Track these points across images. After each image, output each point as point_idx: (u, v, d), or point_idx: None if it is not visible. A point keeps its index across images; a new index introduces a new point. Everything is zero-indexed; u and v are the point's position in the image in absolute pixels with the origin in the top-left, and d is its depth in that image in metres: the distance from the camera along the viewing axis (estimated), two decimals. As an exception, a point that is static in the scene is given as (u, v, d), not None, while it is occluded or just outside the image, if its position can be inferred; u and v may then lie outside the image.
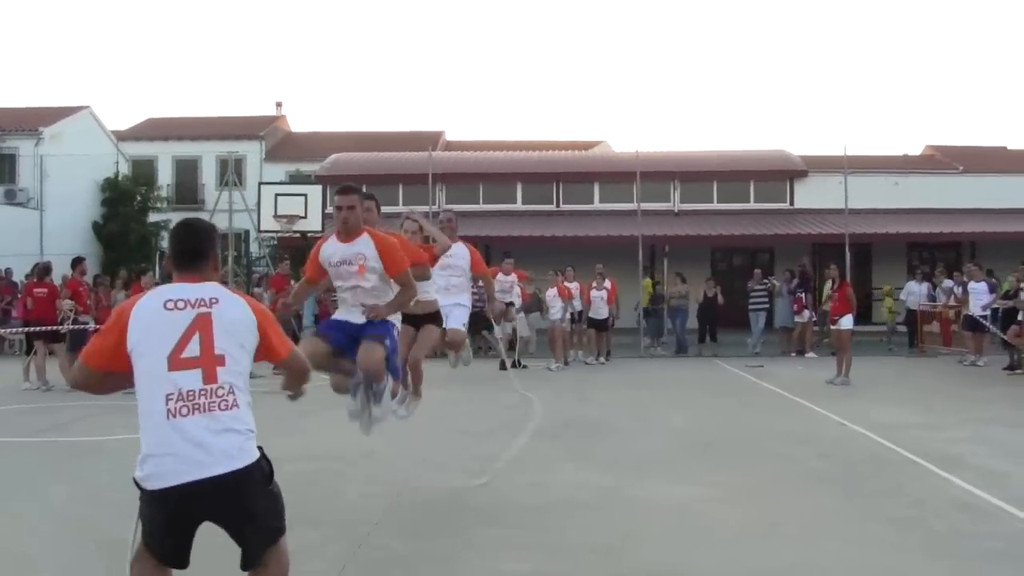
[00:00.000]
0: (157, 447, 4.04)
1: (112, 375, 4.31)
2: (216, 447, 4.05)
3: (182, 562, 4.23)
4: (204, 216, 5.29)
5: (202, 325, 4.18)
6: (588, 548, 6.78)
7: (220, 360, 4.17)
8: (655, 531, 7.31)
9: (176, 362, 4.11)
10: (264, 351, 4.41)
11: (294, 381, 4.89)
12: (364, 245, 7.21)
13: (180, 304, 4.20)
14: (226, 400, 4.15)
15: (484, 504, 8.13)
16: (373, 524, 7.29)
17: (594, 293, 22.47)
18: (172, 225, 4.62)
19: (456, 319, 10.15)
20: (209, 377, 4.13)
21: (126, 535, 4.25)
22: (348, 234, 7.26)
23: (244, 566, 4.28)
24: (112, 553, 4.38)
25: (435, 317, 9.03)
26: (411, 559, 6.56)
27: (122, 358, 4.19)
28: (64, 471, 9.28)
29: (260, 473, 4.20)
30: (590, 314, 22.45)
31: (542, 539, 7.01)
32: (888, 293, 27.19)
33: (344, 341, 7.34)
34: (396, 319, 7.61)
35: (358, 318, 7.29)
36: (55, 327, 17.25)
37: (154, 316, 4.18)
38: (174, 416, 4.05)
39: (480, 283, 10.80)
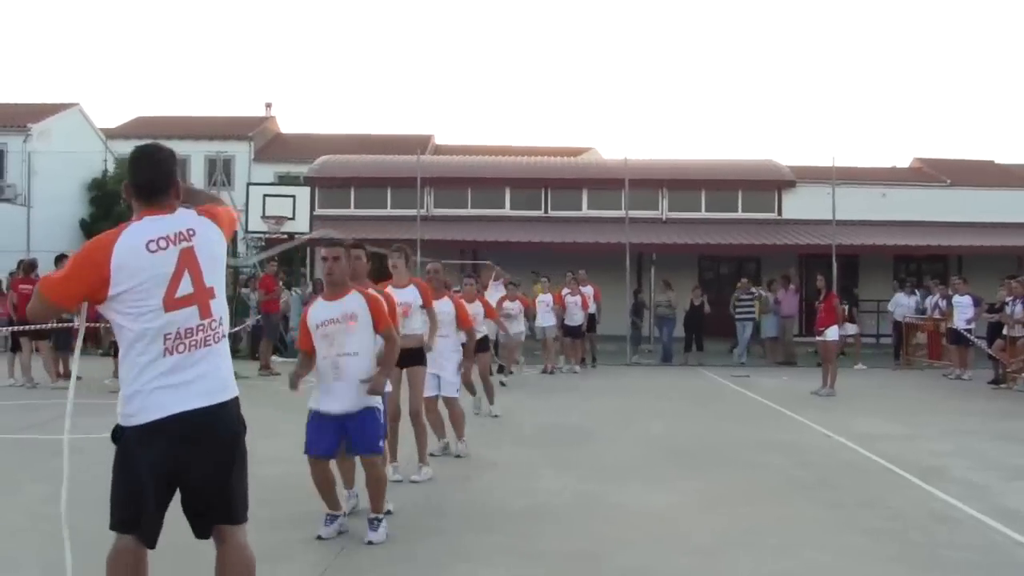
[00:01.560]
0: (154, 382, 4.05)
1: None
2: (206, 381, 4.11)
3: (151, 533, 4.20)
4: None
5: (188, 260, 4.15)
6: (569, 554, 6.80)
7: (211, 292, 4.21)
8: (635, 538, 7.32)
9: (172, 302, 4.10)
10: (229, 229, 4.48)
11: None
12: (353, 302, 7.09)
13: (162, 243, 4.14)
14: (219, 332, 4.22)
15: (465, 509, 8.15)
16: (355, 528, 7.28)
17: (569, 299, 22.26)
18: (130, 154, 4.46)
19: (448, 385, 10.41)
20: (204, 312, 4.16)
21: (107, 534, 4.25)
22: (333, 289, 7.16)
23: (208, 521, 4.26)
24: (92, 552, 4.37)
25: (420, 355, 9.00)
26: (392, 563, 6.57)
27: (95, 298, 4.13)
28: (45, 469, 9.26)
29: (237, 410, 4.28)
30: (565, 321, 22.23)
31: (523, 545, 7.02)
32: None
33: (334, 444, 7.14)
34: (378, 401, 7.31)
35: (337, 403, 7.02)
36: (41, 326, 17.21)
37: (139, 259, 4.08)
38: (171, 353, 4.08)
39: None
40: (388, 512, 7.45)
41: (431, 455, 9.84)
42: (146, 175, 4.31)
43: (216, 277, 4.25)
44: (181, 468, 4.12)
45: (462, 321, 10.38)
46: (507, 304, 19.17)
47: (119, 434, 4.14)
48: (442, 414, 10.56)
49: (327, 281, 7.23)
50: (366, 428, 7.05)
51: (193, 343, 4.11)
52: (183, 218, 4.26)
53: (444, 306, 10.05)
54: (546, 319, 21.93)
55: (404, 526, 7.47)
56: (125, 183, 4.38)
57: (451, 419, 10.67)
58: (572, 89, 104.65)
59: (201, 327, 4.14)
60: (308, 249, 28.72)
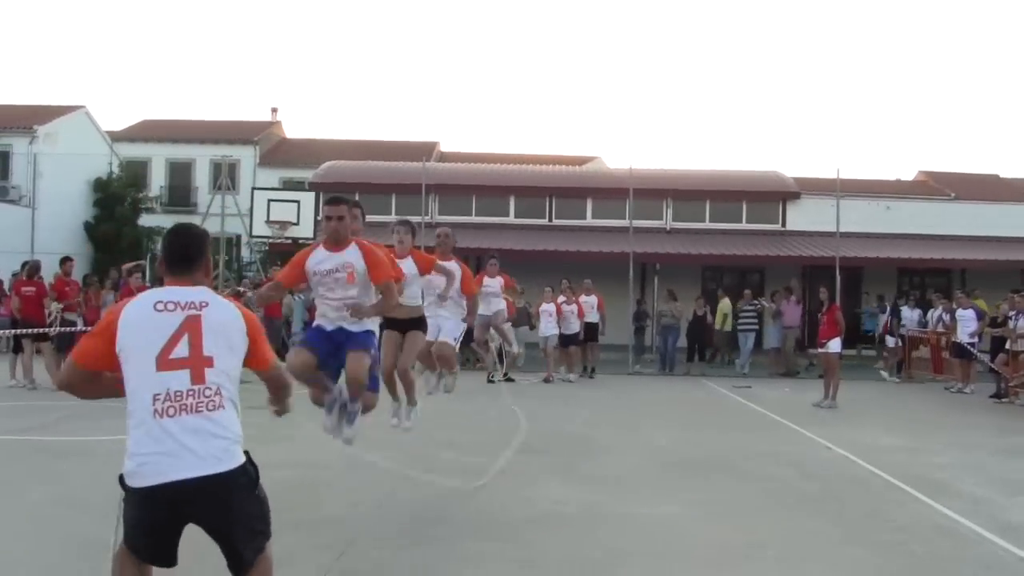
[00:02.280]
0: (144, 446, 4.06)
1: (99, 379, 4.33)
2: (202, 448, 4.07)
3: (168, 561, 4.24)
4: (196, 219, 5.21)
5: (191, 326, 4.20)
6: (570, 563, 6.79)
7: (208, 361, 4.20)
8: (637, 548, 7.30)
9: (165, 362, 4.13)
10: (251, 357, 4.44)
11: (278, 395, 4.91)
12: (352, 254, 7.29)
13: (170, 306, 4.23)
14: (213, 401, 4.17)
15: (468, 516, 8.13)
16: (356, 533, 7.28)
17: (565, 307, 22.20)
18: (165, 229, 4.65)
19: (447, 332, 10.25)
20: (197, 377, 4.15)
21: (109, 536, 4.25)
22: (336, 243, 7.33)
23: (232, 570, 4.29)
24: (94, 554, 4.37)
25: (420, 323, 9.07)
26: (393, 569, 6.56)
27: (111, 359, 4.21)
28: (47, 471, 9.25)
29: (246, 478, 4.21)
30: (561, 330, 22.23)
31: (524, 553, 7.01)
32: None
33: (327, 351, 7.39)
34: (375, 327, 7.66)
35: (337, 324, 7.36)
36: (43, 328, 17.21)
37: (144, 317, 4.21)
38: (161, 416, 4.07)
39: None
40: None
41: (430, 394, 10.23)
42: (176, 248, 4.48)
43: (220, 350, 4.24)
44: (180, 525, 4.17)
45: (465, 285, 10.32)
46: (487, 280, 18.62)
47: (121, 482, 4.16)
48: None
49: (331, 239, 7.37)
50: (362, 336, 7.38)
51: (183, 407, 4.10)
52: (201, 292, 4.36)
53: (451, 267, 10.08)
54: (548, 328, 21.91)
55: (407, 533, 7.46)
56: (158, 260, 4.58)
57: (440, 361, 10.48)
58: (578, 98, 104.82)
59: (192, 392, 4.13)
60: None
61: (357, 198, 31.56)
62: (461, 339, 10.81)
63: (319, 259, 7.41)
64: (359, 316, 7.23)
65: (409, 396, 9.33)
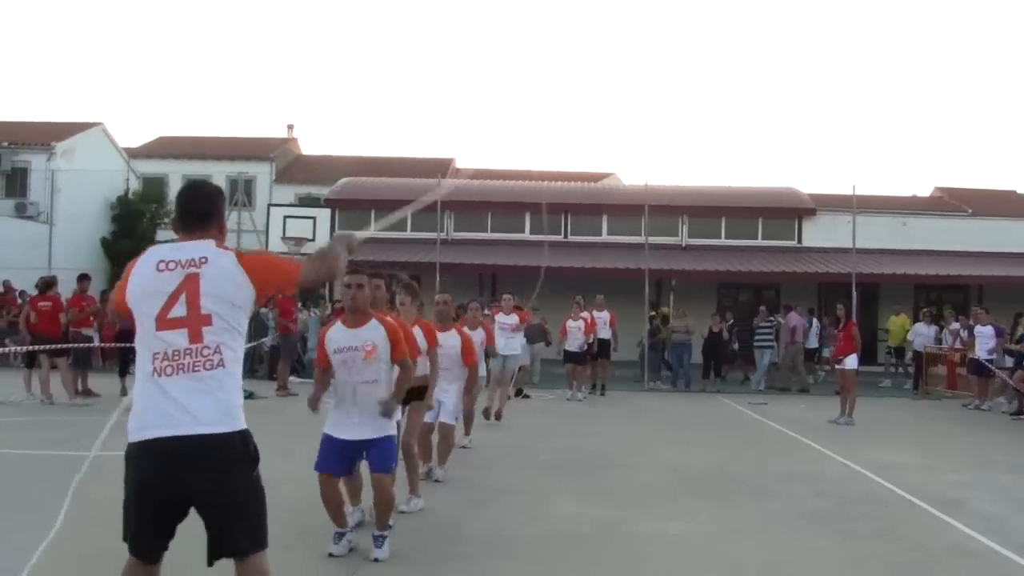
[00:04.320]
0: (142, 402, 4.11)
1: None
2: (199, 407, 4.07)
3: (164, 539, 4.22)
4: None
5: (189, 285, 4.19)
6: (584, 581, 6.76)
7: (206, 319, 4.18)
8: (652, 566, 7.29)
9: (163, 322, 4.16)
10: (266, 287, 4.38)
11: (323, 266, 4.46)
12: (372, 331, 7.11)
13: (171, 265, 4.24)
14: (211, 360, 4.15)
15: (483, 534, 8.11)
16: (369, 551, 7.26)
17: (570, 324, 21.32)
18: (181, 187, 4.64)
19: (448, 413, 10.31)
20: (195, 336, 4.15)
21: (122, 551, 4.24)
22: (355, 316, 7.15)
23: (214, 554, 4.19)
24: (109, 568, 4.36)
25: (422, 392, 8.90)
26: (406, 586, 6.55)
27: (126, 306, 4.31)
28: (62, 486, 9.25)
29: (242, 447, 4.17)
30: (566, 347, 21.44)
31: (540, 571, 7.00)
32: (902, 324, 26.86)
33: (345, 466, 7.22)
34: (394, 428, 7.43)
35: (354, 430, 7.09)
36: (58, 344, 17.23)
37: (147, 276, 4.26)
38: (159, 374, 4.10)
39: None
40: (389, 527, 7.44)
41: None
42: (188, 206, 4.48)
43: (218, 307, 4.20)
44: (171, 492, 4.10)
45: (466, 357, 10.34)
46: (500, 317, 18.24)
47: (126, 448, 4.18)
48: (432, 440, 10.41)
49: (349, 307, 7.19)
50: (384, 450, 7.09)
51: (180, 366, 4.11)
52: (203, 247, 4.31)
53: (450, 339, 10.05)
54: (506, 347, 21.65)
55: (420, 550, 7.45)
56: (172, 218, 4.56)
57: (441, 444, 10.49)
58: (593, 114, 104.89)
59: (189, 351, 4.13)
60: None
61: (373, 215, 31.73)
62: (461, 418, 10.88)
63: (337, 336, 7.19)
64: (390, 415, 7.11)
65: (412, 480, 9.02)
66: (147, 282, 4.24)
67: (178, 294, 4.18)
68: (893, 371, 27.12)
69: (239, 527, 4.15)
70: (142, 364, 4.18)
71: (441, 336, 9.59)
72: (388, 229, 31.12)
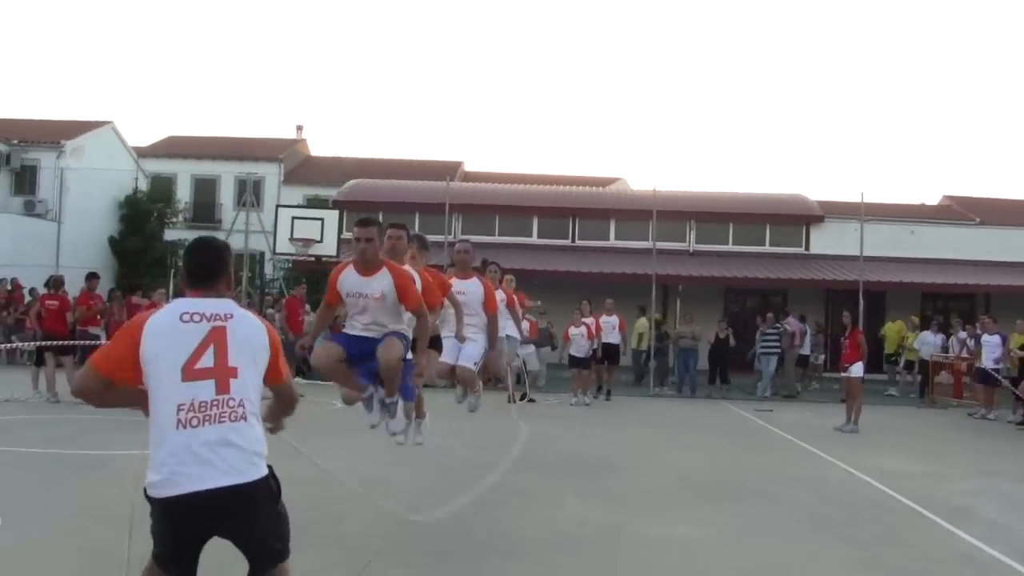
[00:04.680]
0: (167, 456, 4.06)
1: (115, 388, 4.29)
2: (224, 459, 4.07)
3: (188, 573, 4.25)
4: (220, 236, 5.25)
5: (217, 337, 4.22)
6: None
7: (233, 372, 4.21)
8: (656, 570, 7.30)
9: (190, 372, 4.14)
10: (269, 371, 4.43)
11: (281, 410, 4.79)
12: (382, 280, 7.21)
13: (196, 317, 4.25)
14: (236, 412, 4.17)
15: (487, 536, 8.12)
16: (375, 552, 7.28)
17: (573, 331, 21.30)
18: (189, 243, 4.65)
19: (466, 356, 10.04)
20: (222, 388, 4.16)
21: (125, 548, 4.26)
22: (366, 266, 7.25)
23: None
24: (111, 565, 4.37)
25: (435, 342, 8.90)
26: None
27: (130, 368, 4.21)
28: (68, 484, 9.28)
29: (268, 491, 4.21)
30: (571, 352, 21.39)
31: (543, 573, 7.01)
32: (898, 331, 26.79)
33: (356, 354, 7.35)
34: (407, 330, 7.57)
35: (369, 335, 7.31)
36: (66, 341, 17.25)
37: (170, 327, 4.23)
38: (184, 426, 4.08)
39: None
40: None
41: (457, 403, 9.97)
42: (198, 261, 4.50)
43: (243, 361, 4.25)
44: (203, 536, 4.17)
45: (488, 303, 9.92)
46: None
47: (146, 493, 4.17)
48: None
49: (360, 259, 7.28)
50: (394, 334, 7.33)
51: (208, 417, 4.11)
52: (226, 304, 4.38)
53: (471, 286, 9.73)
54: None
55: (427, 551, 7.46)
56: (180, 273, 4.61)
57: (462, 380, 10.00)
58: (602, 119, 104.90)
59: (216, 402, 4.14)
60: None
61: (380, 217, 31.77)
62: (482, 362, 10.56)
63: (348, 281, 7.35)
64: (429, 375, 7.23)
65: (418, 410, 9.10)
66: (170, 331, 4.22)
67: (206, 345, 4.20)
68: (898, 379, 27.06)
69: (262, 554, 4.26)
70: (164, 415, 4.13)
71: (462, 284, 9.50)
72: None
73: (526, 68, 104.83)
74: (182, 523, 4.10)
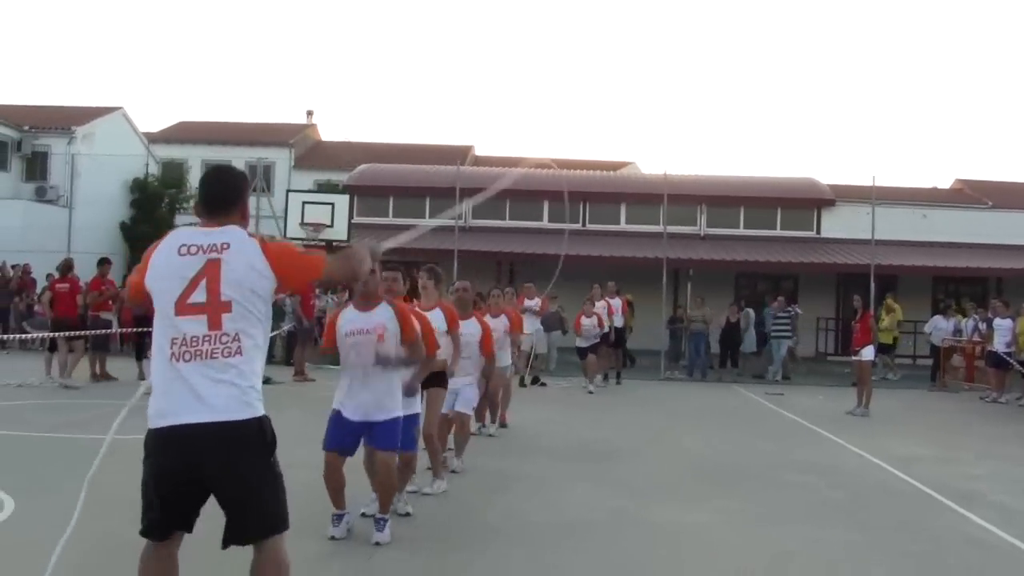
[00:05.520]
0: (160, 388, 4.11)
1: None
2: (213, 395, 4.05)
3: (183, 523, 4.23)
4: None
5: (210, 271, 4.16)
6: (598, 571, 6.76)
7: (226, 306, 4.15)
8: (666, 554, 7.30)
9: (182, 307, 4.13)
10: (289, 280, 4.38)
11: (347, 266, 4.58)
12: (383, 313, 7.18)
13: (192, 249, 4.20)
14: (229, 347, 4.13)
15: (496, 521, 8.13)
16: (384, 537, 7.28)
17: (584, 321, 20.50)
18: (204, 172, 4.64)
19: (464, 402, 10.14)
20: (214, 323, 4.12)
21: (139, 536, 4.26)
22: (366, 297, 7.21)
23: (227, 540, 4.20)
24: (125, 551, 4.39)
25: (441, 377, 8.88)
26: (418, 573, 6.56)
27: (144, 295, 4.28)
28: (79, 469, 9.29)
29: (259, 435, 4.15)
30: (577, 343, 20.77)
31: (553, 559, 7.00)
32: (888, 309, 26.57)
33: (349, 443, 7.23)
34: (401, 408, 7.48)
35: (362, 412, 7.13)
36: (76, 328, 17.26)
37: (167, 260, 4.23)
38: (176, 360, 4.09)
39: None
40: (407, 514, 7.50)
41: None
42: (210, 188, 4.47)
43: (238, 294, 4.16)
44: (190, 479, 4.11)
45: (485, 347, 10.20)
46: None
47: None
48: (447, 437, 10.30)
49: (361, 292, 7.25)
50: (388, 429, 7.15)
51: (199, 352, 4.09)
52: (226, 233, 4.28)
53: (470, 327, 9.91)
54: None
55: (434, 538, 7.48)
56: (195, 202, 4.61)
57: (457, 434, 10.36)
58: (613, 103, 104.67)
59: (208, 338, 4.11)
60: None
61: (391, 202, 31.81)
62: (476, 401, 10.66)
63: (348, 318, 7.28)
64: (411, 391, 7.14)
65: (434, 465, 9.08)
66: (168, 266, 4.21)
67: (198, 280, 4.15)
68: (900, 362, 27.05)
69: (251, 514, 4.15)
70: (160, 348, 4.16)
71: (460, 324, 9.48)
72: (406, 216, 31.24)
73: (537, 52, 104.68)
74: (168, 456, 4.07)
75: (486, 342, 10.24)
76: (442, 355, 8.69)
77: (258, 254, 4.23)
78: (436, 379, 8.75)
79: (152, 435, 4.12)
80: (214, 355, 4.10)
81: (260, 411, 4.17)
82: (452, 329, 8.96)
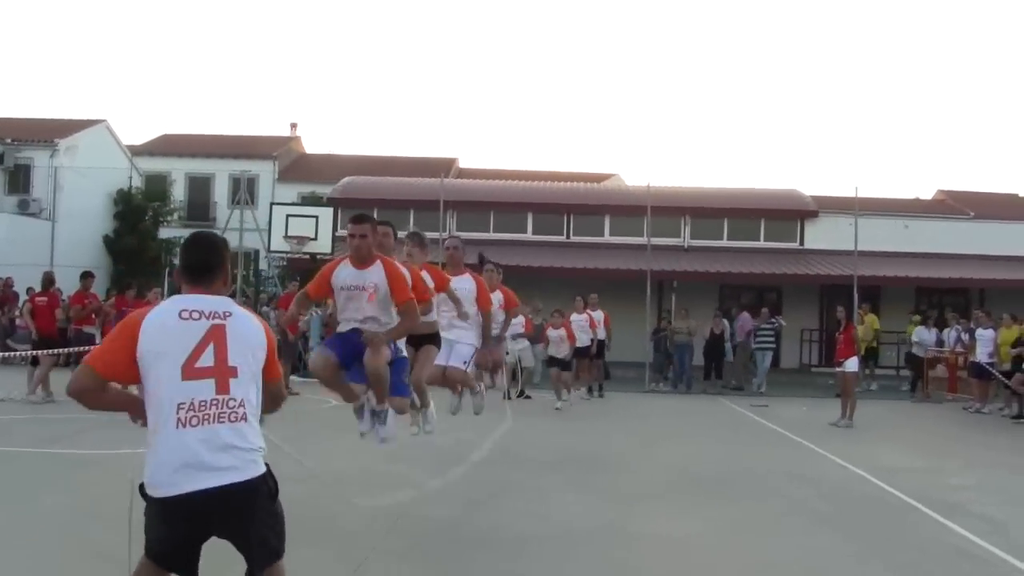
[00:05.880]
0: (166, 455, 4.04)
1: (109, 389, 4.23)
2: (223, 459, 4.05)
3: (190, 571, 4.23)
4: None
5: (216, 336, 4.18)
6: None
7: (233, 372, 4.18)
8: (653, 566, 7.31)
9: (190, 371, 4.10)
10: (265, 369, 4.41)
11: (269, 405, 4.65)
12: (376, 273, 7.35)
13: (195, 315, 4.20)
14: (236, 412, 4.15)
15: (483, 532, 8.12)
16: (371, 549, 7.28)
17: (551, 332, 19.86)
18: (185, 238, 4.62)
19: (457, 357, 10.00)
20: (222, 388, 4.14)
21: (124, 548, 4.25)
22: (361, 261, 7.39)
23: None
24: (109, 565, 4.37)
25: (434, 338, 8.91)
26: (407, 585, 6.57)
27: (127, 366, 4.15)
28: (64, 483, 9.27)
29: (266, 489, 4.20)
30: (550, 352, 20.03)
31: (540, 569, 7.00)
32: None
33: (347, 352, 7.44)
34: (401, 341, 7.73)
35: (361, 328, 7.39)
36: (57, 341, 17.15)
37: (169, 324, 4.17)
38: (184, 426, 4.05)
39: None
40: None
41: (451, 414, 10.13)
42: (195, 257, 4.45)
43: (243, 360, 4.22)
44: (201, 536, 4.15)
45: (481, 300, 10.00)
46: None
47: (143, 491, 4.14)
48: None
49: (355, 256, 7.44)
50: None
51: (206, 417, 4.08)
52: (224, 302, 4.35)
53: (464, 283, 9.79)
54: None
55: (421, 548, 7.47)
56: (176, 269, 4.54)
57: (453, 382, 10.11)
58: (596, 115, 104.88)
59: (215, 402, 4.11)
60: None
61: (376, 214, 31.80)
62: (471, 362, 10.39)
63: (343, 275, 7.52)
64: (372, 344, 7.20)
65: (422, 400, 8.98)
66: (169, 329, 4.16)
67: (205, 344, 4.16)
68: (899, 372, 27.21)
69: (255, 552, 4.23)
70: (162, 413, 4.09)
71: (454, 280, 9.52)
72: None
73: (520, 65, 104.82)
74: (181, 523, 4.07)
75: (481, 296, 10.01)
76: (430, 316, 8.64)
77: (260, 329, 4.39)
78: (428, 338, 8.77)
79: (160, 503, 4.07)
80: (220, 419, 4.11)
81: (263, 468, 4.21)
82: (441, 288, 9.01)
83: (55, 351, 16.71)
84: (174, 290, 4.88)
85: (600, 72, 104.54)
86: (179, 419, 4.06)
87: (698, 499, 10.02)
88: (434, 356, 9.15)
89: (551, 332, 19.83)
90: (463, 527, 8.29)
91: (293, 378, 20.66)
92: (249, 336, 4.30)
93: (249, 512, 4.14)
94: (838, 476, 11.81)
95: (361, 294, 7.34)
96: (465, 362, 10.18)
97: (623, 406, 20.34)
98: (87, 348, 17.52)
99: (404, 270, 7.66)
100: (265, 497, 4.20)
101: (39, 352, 16.94)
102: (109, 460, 10.37)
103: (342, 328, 7.65)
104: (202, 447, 4.03)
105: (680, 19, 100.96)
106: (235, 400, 4.16)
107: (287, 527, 4.35)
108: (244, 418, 4.18)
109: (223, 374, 4.16)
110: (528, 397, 20.57)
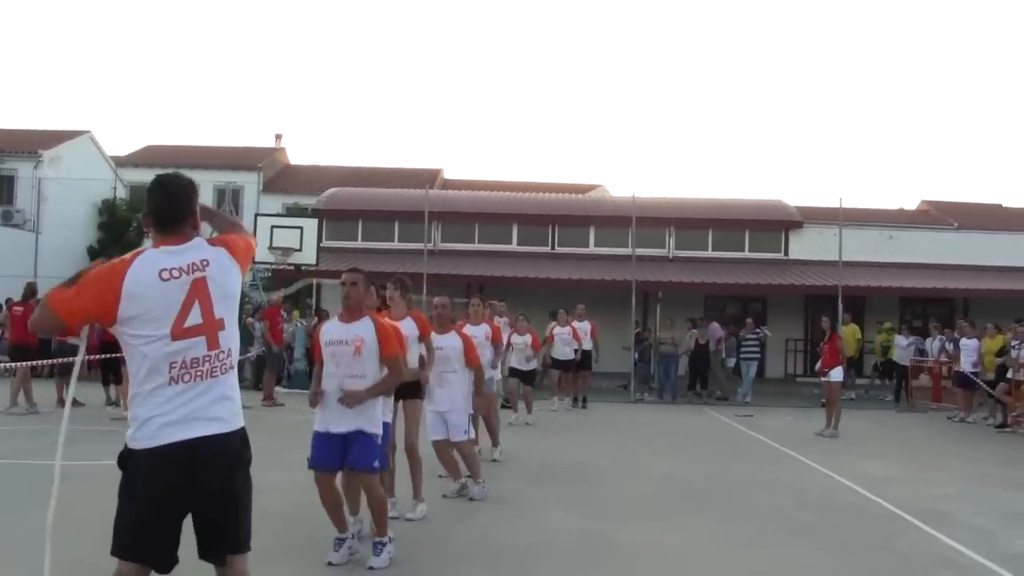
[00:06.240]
0: (158, 407, 4.05)
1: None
2: (215, 410, 4.12)
3: (165, 551, 4.15)
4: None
5: (200, 291, 4.17)
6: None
7: (220, 324, 4.21)
8: (638, 577, 7.29)
9: (179, 331, 4.11)
10: (245, 258, 4.47)
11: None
12: (364, 327, 7.24)
13: (175, 272, 4.15)
14: (225, 364, 4.21)
15: (469, 544, 8.11)
16: (355, 560, 7.26)
17: (516, 338, 17.93)
18: (152, 182, 4.48)
19: (456, 431, 10.03)
20: (212, 343, 4.17)
21: (110, 560, 4.22)
22: (349, 311, 7.31)
23: (215, 555, 4.24)
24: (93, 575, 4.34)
25: (416, 388, 8.87)
26: (392, 597, 6.55)
27: (93, 317, 4.20)
28: (45, 495, 9.21)
29: (246, 441, 4.27)
30: (512, 364, 17.98)
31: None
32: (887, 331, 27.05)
33: (336, 460, 7.22)
34: (387, 410, 7.68)
35: (340, 423, 7.15)
36: (34, 351, 17.04)
37: (151, 287, 4.10)
38: (177, 382, 4.08)
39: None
40: (390, 539, 7.42)
41: (445, 497, 9.94)
42: (165, 204, 4.35)
43: (226, 309, 4.25)
44: (187, 495, 4.09)
45: (470, 359, 10.05)
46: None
47: (126, 458, 4.12)
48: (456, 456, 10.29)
49: (343, 305, 7.36)
50: (364, 446, 7.13)
51: (199, 373, 4.12)
52: (198, 249, 4.27)
53: (450, 340, 9.86)
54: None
55: (406, 561, 7.44)
56: (144, 213, 4.43)
57: (467, 461, 10.29)
58: (581, 126, 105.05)
59: (207, 358, 4.15)
60: (315, 281, 28.88)
61: (360, 226, 31.76)
62: (470, 426, 10.42)
63: (330, 330, 7.46)
64: (352, 403, 7.08)
65: (416, 483, 9.04)
66: (153, 292, 4.10)
67: (190, 302, 4.15)
68: (873, 382, 27.29)
69: (240, 525, 4.23)
70: (154, 372, 4.08)
71: (440, 339, 9.57)
72: (376, 240, 31.21)
73: (505, 76, 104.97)
74: (164, 474, 4.03)
75: (470, 353, 10.06)
76: (412, 364, 8.64)
77: (230, 259, 4.34)
78: (411, 390, 8.73)
79: (151, 455, 4.04)
80: (214, 374, 4.17)
81: (243, 421, 4.28)
82: (424, 335, 9.00)
83: (31, 363, 16.62)
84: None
85: (585, 83, 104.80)
86: (172, 376, 4.09)
87: (683, 510, 10.02)
88: (419, 411, 9.15)
89: (516, 338, 18.02)
90: (449, 539, 8.29)
91: (278, 389, 20.62)
92: (228, 283, 4.29)
93: (234, 463, 4.18)
94: (823, 485, 11.83)
95: (346, 349, 7.18)
96: (466, 431, 10.25)
97: (608, 417, 20.33)
98: (70, 360, 17.49)
99: (390, 325, 7.61)
100: (245, 453, 4.26)
101: (16, 363, 16.85)
102: (94, 472, 10.35)
103: (325, 384, 7.29)
104: (196, 401, 4.09)
105: (666, 31, 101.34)
106: (224, 352, 4.22)
107: (273, 539, 4.33)
108: (232, 367, 4.27)
109: (212, 328, 4.18)
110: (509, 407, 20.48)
